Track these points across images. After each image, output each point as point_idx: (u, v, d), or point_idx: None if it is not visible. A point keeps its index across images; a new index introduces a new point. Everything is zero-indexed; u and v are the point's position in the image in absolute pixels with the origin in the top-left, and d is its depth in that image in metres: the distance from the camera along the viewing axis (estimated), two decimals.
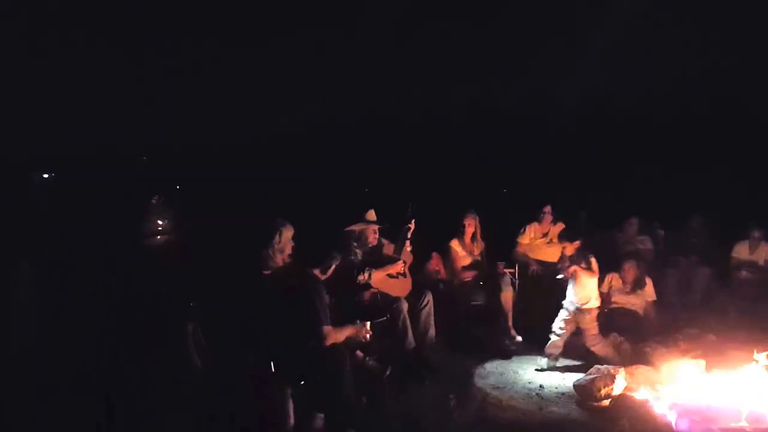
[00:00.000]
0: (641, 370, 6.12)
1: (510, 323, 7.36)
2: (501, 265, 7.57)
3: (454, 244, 7.72)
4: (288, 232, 5.67)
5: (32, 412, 4.41)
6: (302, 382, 4.74)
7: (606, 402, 5.73)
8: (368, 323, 5.39)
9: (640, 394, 5.80)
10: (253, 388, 4.48)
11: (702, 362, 6.09)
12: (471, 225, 7.75)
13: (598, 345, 6.54)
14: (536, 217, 8.22)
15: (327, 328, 4.76)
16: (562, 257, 6.94)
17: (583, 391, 5.86)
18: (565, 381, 6.34)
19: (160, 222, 9.77)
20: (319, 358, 4.77)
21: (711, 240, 9.10)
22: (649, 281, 7.40)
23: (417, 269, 7.20)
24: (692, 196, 9.70)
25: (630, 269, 7.33)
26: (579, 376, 6.13)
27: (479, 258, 7.73)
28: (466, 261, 7.59)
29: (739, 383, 5.60)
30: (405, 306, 6.38)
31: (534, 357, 6.82)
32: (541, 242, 8.14)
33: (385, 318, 6.17)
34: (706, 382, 5.91)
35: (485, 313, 7.30)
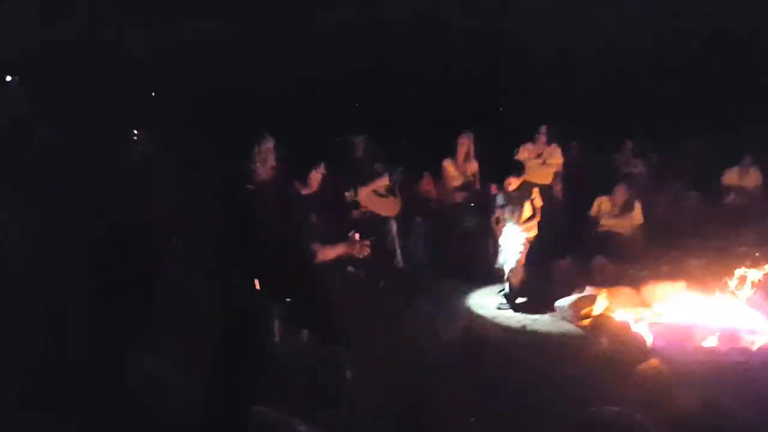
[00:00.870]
0: (623, 291, 6.32)
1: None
2: (494, 186, 7.25)
3: (447, 163, 7.70)
4: (267, 143, 4.99)
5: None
6: (288, 300, 4.61)
7: (586, 322, 5.86)
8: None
9: (620, 315, 6.02)
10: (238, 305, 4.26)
11: (682, 285, 6.32)
12: (464, 144, 7.71)
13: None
14: (531, 138, 8.16)
15: (316, 246, 4.76)
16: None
17: (564, 311, 5.99)
18: None
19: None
20: (305, 275, 4.58)
21: (703, 164, 9.13)
22: (637, 205, 7.60)
23: (407, 189, 7.15)
24: (685, 120, 9.84)
25: (620, 192, 7.56)
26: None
27: (472, 179, 7.70)
28: (458, 182, 7.58)
29: (714, 305, 5.92)
30: (394, 226, 6.54)
31: None
32: (534, 163, 8.04)
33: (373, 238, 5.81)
34: (685, 303, 6.15)
35: (475, 234, 7.25)
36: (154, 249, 4.27)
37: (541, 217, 6.51)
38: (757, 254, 6.45)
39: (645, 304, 6.25)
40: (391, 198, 6.70)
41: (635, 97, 10.10)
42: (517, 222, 6.21)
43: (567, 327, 5.87)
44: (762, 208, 8.32)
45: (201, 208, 4.46)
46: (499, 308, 6.24)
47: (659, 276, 6.56)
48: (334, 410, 4.36)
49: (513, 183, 6.40)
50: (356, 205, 6.41)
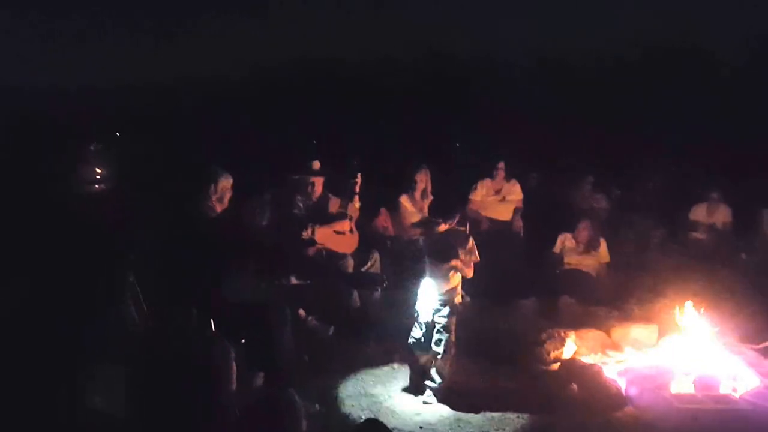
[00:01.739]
0: (592, 334, 6.10)
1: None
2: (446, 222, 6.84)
3: (404, 199, 7.51)
4: (225, 182, 5.31)
5: None
6: (243, 341, 4.59)
7: (555, 366, 5.67)
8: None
9: (590, 359, 5.78)
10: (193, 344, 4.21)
11: (654, 327, 6.10)
12: (422, 181, 7.53)
13: None
14: (489, 173, 8.06)
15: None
16: None
17: (532, 355, 5.74)
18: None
19: (98, 170, 9.28)
20: (259, 316, 4.66)
21: (667, 200, 9.01)
22: (603, 242, 7.43)
23: (364, 224, 6.99)
24: (650, 156, 9.67)
25: (584, 229, 7.37)
26: None
27: (426, 214, 7.23)
28: (416, 218, 7.35)
29: (689, 349, 5.59)
30: (351, 263, 6.37)
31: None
32: (493, 200, 8.01)
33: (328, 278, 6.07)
34: (658, 347, 5.94)
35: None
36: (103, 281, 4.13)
37: (499, 255, 6.35)
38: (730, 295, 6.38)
39: (616, 347, 6.02)
40: (349, 235, 6.51)
41: (596, 129, 10.10)
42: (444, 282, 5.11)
43: (535, 371, 5.53)
44: (731, 244, 8.19)
45: (157, 244, 4.62)
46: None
47: (630, 318, 6.36)
48: None
49: (444, 226, 5.49)
50: (312, 242, 6.21)
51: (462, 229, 6.70)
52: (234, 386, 4.03)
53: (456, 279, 5.07)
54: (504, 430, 4.70)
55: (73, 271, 3.95)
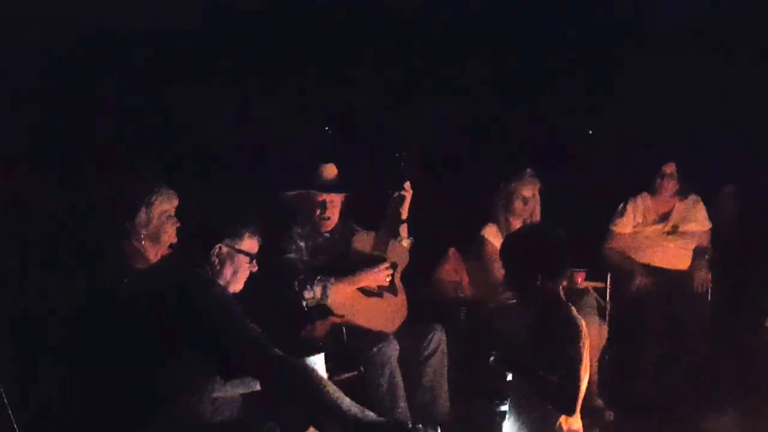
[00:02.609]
0: None
1: (594, 386, 5.90)
2: (580, 275, 6.25)
3: (490, 232, 6.16)
4: (164, 203, 4.55)
5: None
6: None
7: None
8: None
9: None
10: None
11: None
12: (526, 194, 6.19)
13: None
14: (647, 185, 6.81)
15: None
16: None
17: None
18: None
19: None
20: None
21: None
22: None
23: (419, 280, 6.01)
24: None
25: None
26: None
27: None
28: None
29: None
30: (395, 350, 5.21)
31: None
32: (654, 231, 6.79)
33: (355, 372, 5.08)
34: None
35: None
36: None
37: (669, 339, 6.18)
38: None
39: None
40: (390, 298, 5.49)
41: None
42: None
43: None
44: None
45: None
46: None
47: None
48: None
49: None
50: (323, 311, 5.26)
51: (595, 285, 6.51)
52: None
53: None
54: None
55: None
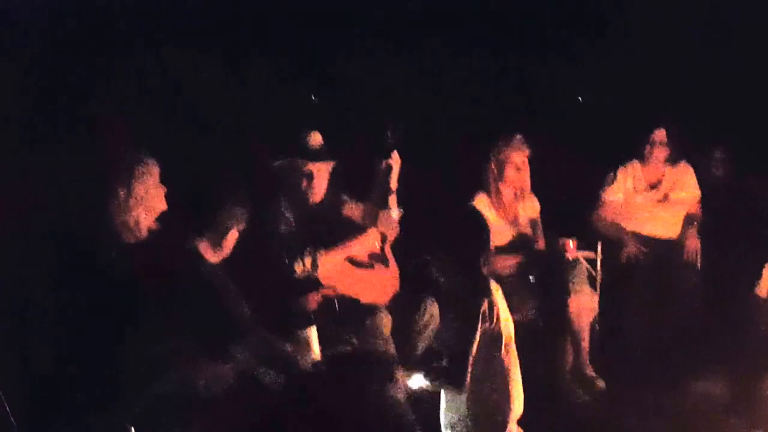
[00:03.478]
0: None
1: (586, 355, 6.09)
2: (569, 242, 6.19)
3: (481, 201, 6.09)
4: (150, 175, 4.49)
5: None
6: None
7: None
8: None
9: None
10: None
11: None
12: (517, 165, 6.11)
13: None
14: (636, 151, 6.78)
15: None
16: None
17: None
18: None
19: None
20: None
21: None
22: None
23: (410, 251, 5.71)
24: None
25: None
26: None
27: (528, 229, 6.35)
28: (504, 234, 6.22)
29: None
30: (386, 321, 5.26)
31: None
32: (645, 199, 6.77)
33: (348, 348, 5.06)
34: None
35: (538, 334, 6.10)
36: None
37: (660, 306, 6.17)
38: None
39: None
40: (380, 268, 5.46)
41: None
42: None
43: None
44: None
45: None
46: None
47: None
48: None
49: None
50: (313, 283, 5.23)
51: (586, 255, 6.50)
52: None
53: None
54: None
55: None
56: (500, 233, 6.21)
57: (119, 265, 4.28)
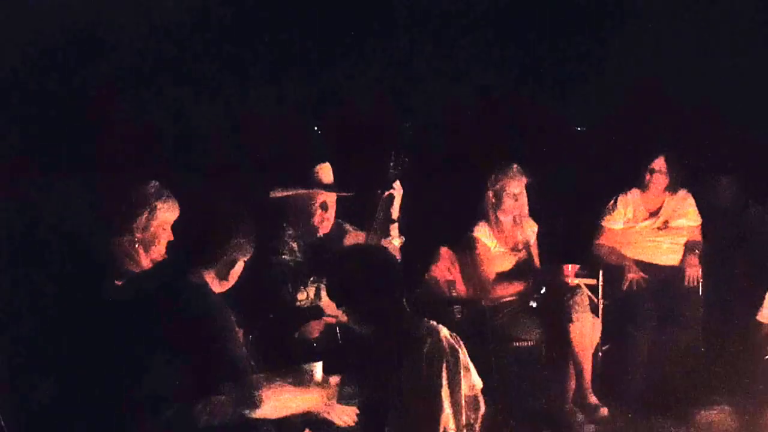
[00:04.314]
0: None
1: (588, 382, 6.13)
2: (570, 268, 6.35)
3: (481, 230, 6.24)
4: (167, 212, 4.61)
5: None
6: None
7: None
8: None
9: None
10: None
11: None
12: (515, 190, 6.24)
13: None
14: (636, 180, 6.85)
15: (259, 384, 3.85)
16: None
17: None
18: None
19: None
20: None
21: None
22: None
23: (411, 279, 5.89)
24: None
25: None
26: None
27: (526, 255, 6.47)
28: (505, 262, 6.38)
29: None
30: None
31: None
32: (645, 227, 6.85)
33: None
34: None
35: (540, 361, 6.36)
36: None
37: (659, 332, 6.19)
38: None
39: None
40: None
41: None
42: None
43: None
44: None
45: None
46: None
47: None
48: None
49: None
50: (316, 311, 5.26)
51: (587, 282, 6.61)
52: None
53: None
54: None
55: None
56: (501, 260, 6.45)
57: (123, 295, 4.26)
